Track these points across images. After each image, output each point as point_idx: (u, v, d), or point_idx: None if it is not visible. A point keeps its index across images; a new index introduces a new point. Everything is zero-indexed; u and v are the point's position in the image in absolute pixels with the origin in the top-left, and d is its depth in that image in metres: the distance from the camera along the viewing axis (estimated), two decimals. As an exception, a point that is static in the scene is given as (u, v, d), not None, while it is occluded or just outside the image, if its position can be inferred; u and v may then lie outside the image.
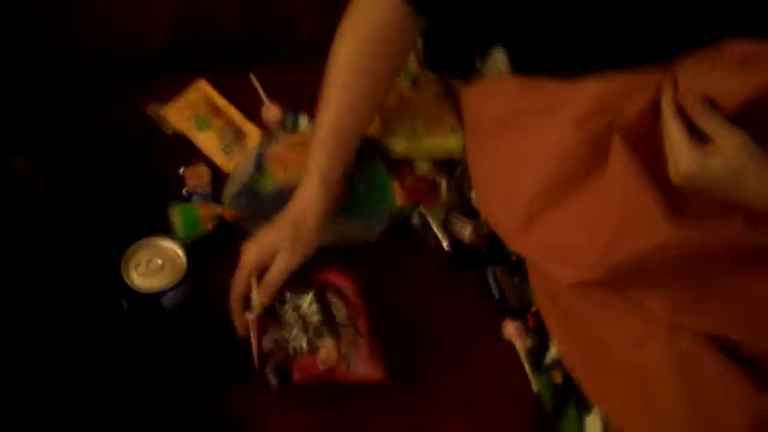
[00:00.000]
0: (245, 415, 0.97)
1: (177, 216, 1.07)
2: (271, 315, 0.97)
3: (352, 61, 1.04)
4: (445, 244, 1.13)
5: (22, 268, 0.93)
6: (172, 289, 0.91)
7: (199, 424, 0.94)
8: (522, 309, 1.10)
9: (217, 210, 1.09)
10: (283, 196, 1.11)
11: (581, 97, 0.88)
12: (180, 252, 0.94)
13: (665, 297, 0.88)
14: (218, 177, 1.18)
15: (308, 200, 1.02)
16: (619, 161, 0.84)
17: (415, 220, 1.17)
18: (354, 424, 0.99)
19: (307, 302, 0.98)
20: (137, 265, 0.91)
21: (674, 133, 0.80)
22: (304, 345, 0.95)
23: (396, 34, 1.05)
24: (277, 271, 0.97)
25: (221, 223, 1.10)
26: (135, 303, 0.91)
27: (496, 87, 1.05)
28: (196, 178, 1.15)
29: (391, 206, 1.15)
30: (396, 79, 1.20)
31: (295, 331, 0.96)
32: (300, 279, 1.01)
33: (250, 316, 0.96)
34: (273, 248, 0.98)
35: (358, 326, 0.99)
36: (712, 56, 0.81)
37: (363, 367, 0.96)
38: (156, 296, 0.90)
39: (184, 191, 1.14)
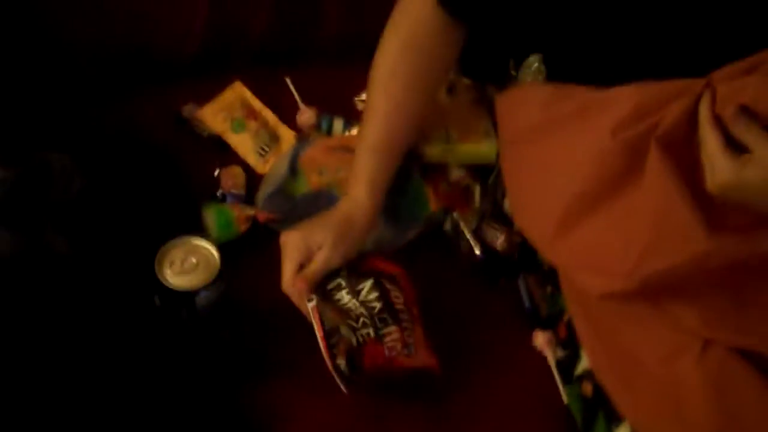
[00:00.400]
0: (277, 411, 0.97)
1: (211, 216, 1.08)
2: (331, 303, 0.96)
3: (393, 68, 1.05)
4: (477, 251, 1.13)
5: (51, 260, 0.94)
6: (206, 287, 0.91)
7: (229, 420, 0.94)
8: (553, 319, 1.09)
9: (251, 212, 1.10)
10: (317, 200, 1.12)
11: (618, 105, 0.87)
12: (214, 251, 0.94)
13: (700, 310, 0.86)
14: (252, 179, 1.18)
15: (356, 204, 1.03)
16: (656, 170, 0.83)
17: (448, 226, 1.17)
18: (381, 421, 0.99)
19: (367, 289, 0.97)
20: (171, 263, 0.92)
21: (711, 143, 0.78)
22: (372, 333, 0.93)
23: (436, 41, 1.06)
24: (317, 267, 0.97)
25: (254, 224, 1.10)
26: (168, 301, 0.92)
27: (531, 94, 1.05)
28: (230, 179, 1.16)
29: (425, 211, 1.15)
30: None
31: (362, 319, 0.94)
32: (349, 267, 1.00)
33: (309, 305, 0.94)
34: (317, 244, 0.98)
35: (414, 312, 0.98)
36: (751, 66, 0.79)
37: (420, 354, 0.95)
38: (189, 294, 0.91)
39: (218, 192, 1.15)
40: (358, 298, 0.96)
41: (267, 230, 1.11)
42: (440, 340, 1.03)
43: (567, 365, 1.05)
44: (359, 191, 1.03)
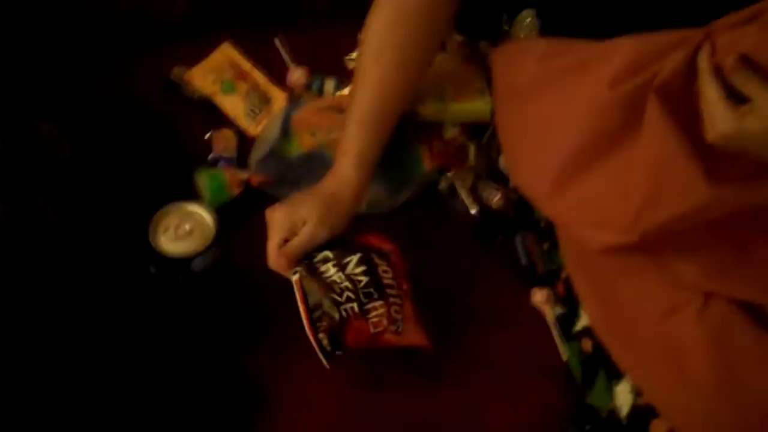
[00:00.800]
0: (274, 376, 0.97)
1: (203, 181, 1.06)
2: (316, 277, 0.94)
3: (385, 35, 1.02)
4: (473, 210, 1.12)
5: (42, 228, 0.92)
6: (201, 253, 0.90)
7: (226, 385, 0.93)
8: (551, 276, 1.09)
9: (244, 175, 1.09)
10: (310, 161, 1.11)
11: (615, 57, 0.85)
12: (209, 217, 0.93)
13: (700, 262, 0.86)
14: (244, 141, 1.17)
15: (343, 179, 0.99)
16: (654, 122, 0.82)
17: (443, 185, 1.16)
18: (378, 386, 0.99)
19: (353, 263, 0.94)
20: (166, 230, 0.90)
21: (711, 93, 0.77)
22: (356, 308, 0.91)
23: (426, 15, 1.03)
24: (300, 243, 0.95)
25: (247, 188, 1.09)
26: (163, 268, 0.91)
27: (527, 48, 1.03)
28: (221, 142, 1.14)
29: (419, 171, 1.14)
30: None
31: (345, 294, 0.92)
32: (339, 241, 0.98)
33: (293, 278, 0.93)
34: (302, 219, 0.96)
35: (404, 288, 0.96)
36: (751, 16, 0.78)
37: (410, 331, 0.93)
38: (185, 261, 0.90)
39: (210, 156, 1.13)
40: (344, 271, 0.94)
41: (260, 193, 1.10)
42: (437, 300, 1.03)
43: (566, 322, 1.05)
44: (347, 165, 1.00)
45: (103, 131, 1.07)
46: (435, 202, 1.16)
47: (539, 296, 1.06)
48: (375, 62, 1.01)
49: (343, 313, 0.91)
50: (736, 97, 0.76)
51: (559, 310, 1.06)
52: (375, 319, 0.91)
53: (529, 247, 1.11)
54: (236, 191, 1.07)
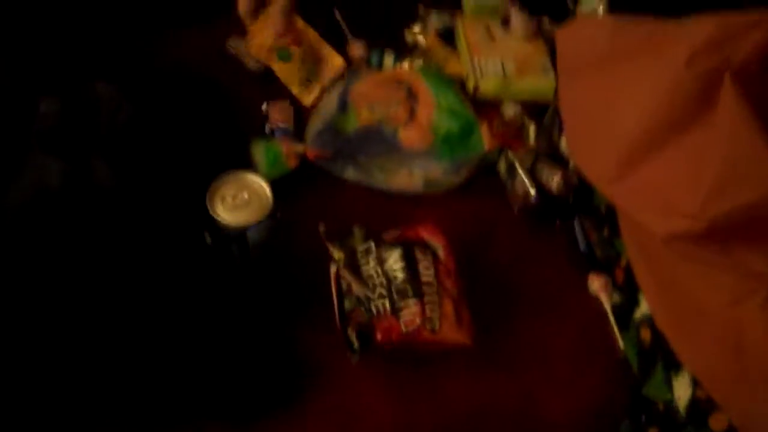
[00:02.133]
0: (327, 352, 0.95)
1: (260, 153, 1.05)
2: (355, 269, 0.94)
3: None
4: (532, 192, 1.09)
5: (97, 192, 0.92)
6: (257, 224, 0.89)
7: (279, 357, 0.92)
8: (609, 263, 1.06)
9: (300, 148, 1.07)
10: (368, 136, 1.09)
11: (693, 34, 0.82)
12: (266, 187, 0.92)
13: None
14: (300, 112, 1.16)
15: None
16: (730, 105, 0.79)
17: (502, 166, 1.13)
18: (430, 371, 0.96)
19: (393, 258, 0.94)
20: (223, 199, 0.89)
21: None
22: (388, 305, 0.91)
23: None
24: None
25: (303, 161, 1.07)
26: (219, 237, 0.90)
27: (594, 26, 1.01)
28: (278, 113, 1.13)
29: (479, 150, 1.11)
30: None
31: (378, 290, 0.92)
32: (389, 233, 0.98)
33: (332, 270, 0.94)
34: None
35: (446, 286, 0.94)
36: None
37: (448, 331, 0.91)
38: (241, 230, 0.88)
39: (266, 127, 1.12)
40: (383, 266, 0.93)
41: (316, 168, 1.08)
42: (491, 285, 1.01)
43: (624, 311, 1.02)
44: None
45: (162, 97, 1.07)
46: (493, 183, 1.13)
47: (597, 283, 1.04)
48: None
49: (374, 310, 0.90)
50: None
51: (617, 297, 1.03)
52: (407, 318, 0.90)
53: (588, 232, 1.08)
54: (293, 164, 1.06)
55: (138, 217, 0.92)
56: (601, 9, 1.10)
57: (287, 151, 1.06)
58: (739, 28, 0.80)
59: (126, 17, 1.18)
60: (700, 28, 0.82)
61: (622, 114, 0.91)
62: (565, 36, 1.05)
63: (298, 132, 1.13)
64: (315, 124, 1.12)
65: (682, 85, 0.83)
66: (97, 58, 1.08)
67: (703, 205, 0.82)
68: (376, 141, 1.06)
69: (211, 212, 0.88)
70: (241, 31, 1.21)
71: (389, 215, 1.04)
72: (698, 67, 0.81)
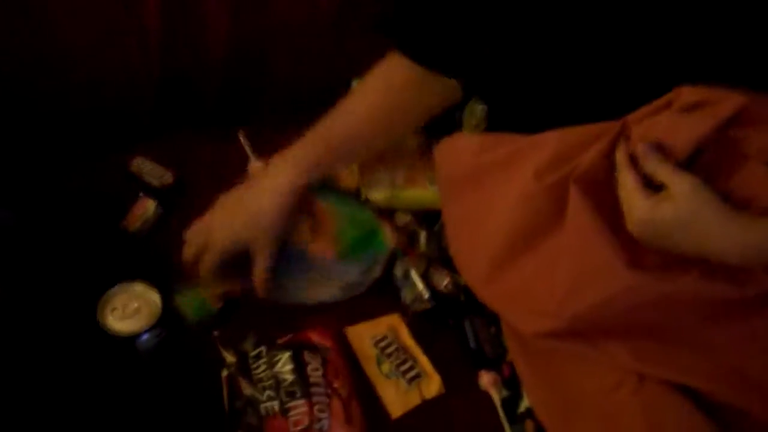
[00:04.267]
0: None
1: (185, 304, 1.06)
2: (246, 373, 0.98)
3: (370, 113, 1.08)
4: (426, 296, 1.15)
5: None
6: (147, 332, 0.92)
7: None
8: (498, 359, 1.11)
9: (218, 289, 1.10)
10: (282, 257, 1.11)
11: (540, 150, 0.90)
12: (156, 296, 0.96)
13: (629, 346, 0.88)
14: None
15: (276, 186, 1.04)
16: (575, 211, 0.86)
17: (398, 270, 1.19)
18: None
19: (282, 361, 0.98)
20: (113, 310, 0.93)
21: (627, 182, 0.81)
22: (276, 406, 0.94)
23: (414, 93, 1.09)
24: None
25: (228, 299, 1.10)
26: (110, 346, 0.92)
27: (465, 142, 1.07)
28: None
29: (384, 249, 1.16)
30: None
31: (267, 392, 0.95)
32: (279, 336, 1.02)
33: (223, 374, 0.97)
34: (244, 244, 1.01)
35: (335, 387, 0.98)
36: (665, 104, 0.82)
37: (338, 429, 0.94)
38: (131, 339, 0.92)
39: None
40: (273, 369, 0.97)
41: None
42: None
43: (511, 404, 1.06)
44: (287, 173, 1.04)
45: (52, 211, 1.12)
46: (386, 288, 1.18)
47: (486, 379, 1.08)
48: (362, 101, 1.08)
49: (263, 412, 0.93)
50: (653, 187, 0.80)
51: (504, 392, 1.07)
52: (296, 418, 0.93)
53: (477, 330, 1.13)
54: (217, 305, 1.09)
55: (27, 327, 0.95)
56: (481, 121, 1.19)
57: (211, 293, 1.09)
58: (581, 142, 0.87)
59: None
60: (546, 143, 0.90)
61: (488, 223, 0.98)
62: (440, 151, 1.12)
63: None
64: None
65: (533, 196, 0.90)
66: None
67: (560, 305, 0.88)
68: (291, 260, 1.10)
69: (101, 323, 0.91)
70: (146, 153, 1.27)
71: (284, 319, 1.08)
72: (546, 179, 0.89)
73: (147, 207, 1.18)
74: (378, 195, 1.21)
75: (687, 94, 0.80)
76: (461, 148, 1.05)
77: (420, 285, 1.16)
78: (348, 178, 1.25)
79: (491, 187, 0.97)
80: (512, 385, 1.08)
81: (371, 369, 1.08)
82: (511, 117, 1.06)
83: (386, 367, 1.07)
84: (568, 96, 0.96)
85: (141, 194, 1.20)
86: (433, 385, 1.07)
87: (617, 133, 0.84)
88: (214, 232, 1.03)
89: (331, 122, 1.08)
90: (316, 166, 1.06)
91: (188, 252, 1.03)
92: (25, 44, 1.19)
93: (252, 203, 1.03)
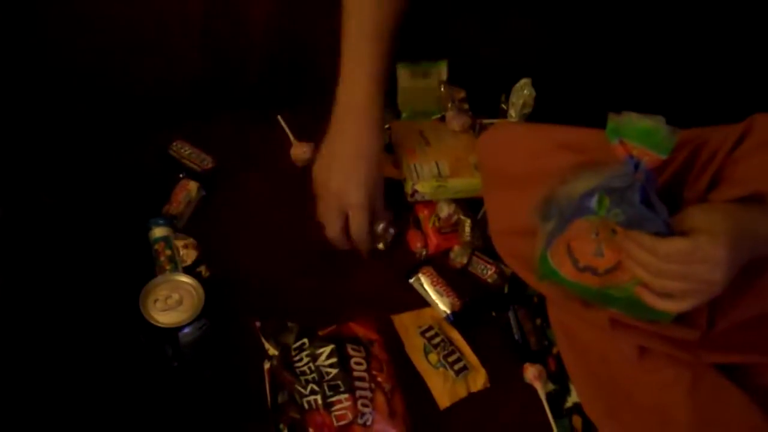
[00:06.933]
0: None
1: None
2: (288, 366, 0.96)
3: None
4: (443, 309, 1.12)
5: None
6: (190, 324, 0.91)
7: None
8: (543, 352, 1.09)
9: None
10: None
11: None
12: (198, 288, 0.95)
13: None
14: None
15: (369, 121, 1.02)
16: None
17: (416, 284, 1.15)
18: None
19: (325, 355, 0.96)
20: (155, 301, 0.92)
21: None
22: (319, 400, 0.92)
23: None
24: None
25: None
26: (152, 337, 0.92)
27: (511, 134, 1.06)
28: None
29: None
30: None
31: (310, 386, 0.94)
32: (324, 329, 1.01)
33: (265, 366, 0.96)
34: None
35: (378, 381, 0.96)
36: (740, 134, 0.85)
37: (382, 425, 0.93)
38: (174, 331, 0.91)
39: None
40: (315, 362, 0.96)
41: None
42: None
43: (557, 398, 1.04)
44: (367, 93, 1.00)
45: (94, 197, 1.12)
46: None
47: (531, 372, 1.06)
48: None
49: (306, 406, 0.92)
50: None
51: (550, 386, 1.05)
52: (339, 412, 0.91)
53: (522, 322, 1.11)
54: None
55: (71, 318, 0.95)
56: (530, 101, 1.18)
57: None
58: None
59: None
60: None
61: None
62: (485, 145, 1.10)
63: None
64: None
65: None
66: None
67: None
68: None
69: (143, 314, 0.91)
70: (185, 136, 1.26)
71: (326, 311, 1.07)
72: None
73: (189, 189, 1.17)
74: (425, 187, 1.19)
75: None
76: (511, 146, 1.03)
77: (434, 298, 1.14)
78: (391, 169, 1.23)
79: (539, 174, 0.94)
80: (559, 379, 1.05)
81: (418, 358, 1.06)
82: (558, 103, 1.03)
83: (434, 357, 1.06)
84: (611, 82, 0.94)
85: (182, 176, 1.19)
86: (479, 379, 1.05)
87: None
88: (342, 196, 1.01)
89: (359, 18, 1.02)
90: (369, 58, 1.01)
91: (333, 230, 1.01)
92: (66, 26, 1.19)
93: (349, 142, 1.01)
